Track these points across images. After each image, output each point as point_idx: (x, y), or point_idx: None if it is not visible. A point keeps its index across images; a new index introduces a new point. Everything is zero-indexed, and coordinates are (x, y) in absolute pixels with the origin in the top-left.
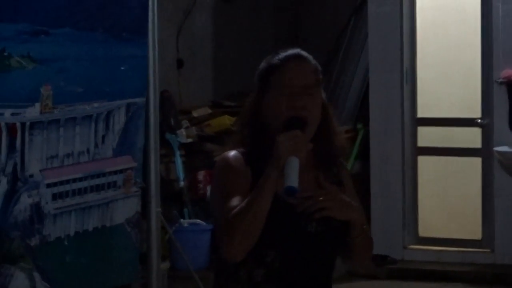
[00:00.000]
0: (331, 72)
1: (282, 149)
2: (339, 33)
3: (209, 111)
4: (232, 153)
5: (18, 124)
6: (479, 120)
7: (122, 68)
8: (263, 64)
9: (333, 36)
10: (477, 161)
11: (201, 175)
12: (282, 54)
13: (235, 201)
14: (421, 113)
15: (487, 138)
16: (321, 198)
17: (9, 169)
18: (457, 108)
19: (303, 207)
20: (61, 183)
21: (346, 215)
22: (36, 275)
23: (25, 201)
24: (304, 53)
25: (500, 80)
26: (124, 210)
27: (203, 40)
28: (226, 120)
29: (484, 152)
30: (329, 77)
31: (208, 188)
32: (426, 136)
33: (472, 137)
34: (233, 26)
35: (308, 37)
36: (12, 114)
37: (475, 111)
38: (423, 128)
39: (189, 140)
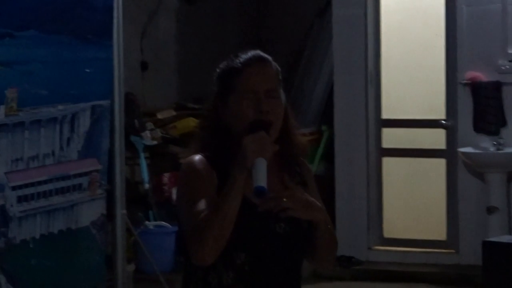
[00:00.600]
0: (295, 74)
1: (249, 150)
2: (303, 36)
3: (174, 113)
4: (197, 157)
5: None
6: (444, 122)
7: (87, 70)
8: (223, 67)
9: (297, 39)
10: (441, 162)
11: (166, 177)
12: (243, 57)
13: (203, 205)
14: (385, 114)
15: (451, 139)
16: (285, 198)
17: None
18: (422, 110)
19: (266, 207)
20: (26, 185)
21: (310, 214)
22: (1, 278)
23: None
24: (264, 54)
25: (464, 81)
26: (90, 212)
27: (167, 42)
28: (190, 122)
29: (448, 153)
30: (293, 80)
31: (173, 191)
32: (391, 138)
33: (436, 139)
34: (197, 29)
35: (272, 40)
36: None
37: (440, 113)
38: (388, 130)
39: (154, 142)
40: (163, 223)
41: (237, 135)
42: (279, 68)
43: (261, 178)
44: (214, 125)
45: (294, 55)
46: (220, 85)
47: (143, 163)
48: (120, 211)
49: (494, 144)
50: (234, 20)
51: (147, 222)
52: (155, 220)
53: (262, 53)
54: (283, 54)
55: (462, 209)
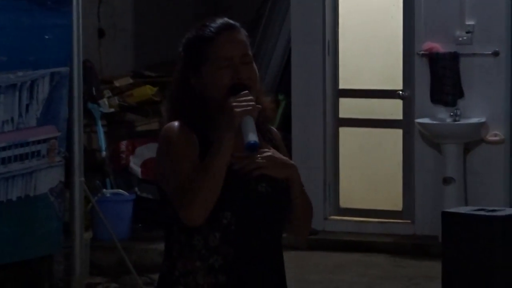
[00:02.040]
0: (252, 43)
1: (236, 109)
2: (260, 3)
3: (131, 81)
4: (176, 123)
5: None
6: (401, 92)
7: (46, 37)
8: (191, 36)
9: (254, 6)
10: (398, 133)
11: (123, 145)
12: (213, 25)
13: (188, 167)
14: (342, 84)
15: (408, 110)
16: (259, 157)
17: None
18: (379, 80)
19: (240, 165)
20: None
21: (284, 172)
22: None
23: None
24: (232, 21)
25: (421, 52)
26: (48, 179)
27: (124, 10)
28: (147, 90)
29: (405, 124)
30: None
31: (131, 159)
32: (348, 108)
33: (393, 109)
34: None
35: (229, 7)
36: None
37: (397, 83)
38: (345, 100)
39: (111, 110)
40: (120, 191)
41: (213, 102)
42: (247, 34)
43: (252, 133)
44: (187, 94)
45: (251, 23)
46: (190, 55)
47: (100, 130)
48: (78, 179)
49: (451, 115)
50: None
51: (104, 190)
52: (112, 188)
53: (230, 20)
54: (239, 22)
55: (418, 180)
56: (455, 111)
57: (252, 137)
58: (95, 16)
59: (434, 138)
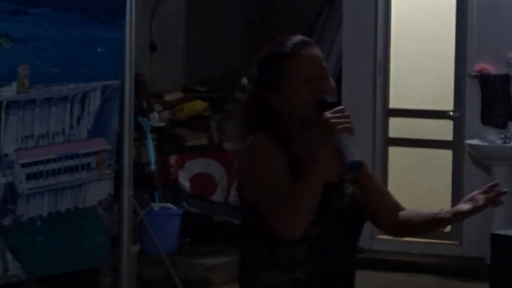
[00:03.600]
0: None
1: (337, 126)
2: (312, 21)
3: (181, 95)
4: (259, 136)
5: None
6: (451, 113)
7: (99, 50)
8: (267, 53)
9: (305, 24)
10: (448, 154)
11: (172, 159)
12: (289, 42)
13: (284, 179)
14: (393, 104)
15: (458, 131)
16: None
17: None
18: (429, 100)
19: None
20: (35, 163)
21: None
22: (8, 255)
23: None
24: (307, 38)
25: (473, 73)
26: (97, 192)
27: (176, 24)
28: (197, 105)
29: (455, 145)
30: None
31: (180, 173)
32: (398, 127)
33: (443, 130)
34: (205, 12)
35: (280, 25)
36: None
37: (447, 104)
38: (395, 119)
39: (161, 124)
40: (169, 205)
41: (294, 118)
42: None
43: (353, 152)
44: (266, 111)
45: None
46: (267, 71)
47: (150, 144)
48: (127, 192)
49: (501, 137)
50: (242, 4)
51: (152, 204)
52: (161, 202)
53: (306, 38)
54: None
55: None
56: (506, 133)
57: (355, 155)
58: (147, 30)
59: (484, 160)
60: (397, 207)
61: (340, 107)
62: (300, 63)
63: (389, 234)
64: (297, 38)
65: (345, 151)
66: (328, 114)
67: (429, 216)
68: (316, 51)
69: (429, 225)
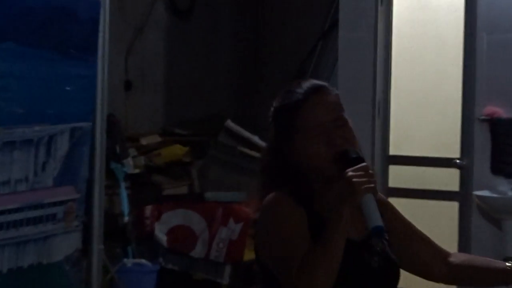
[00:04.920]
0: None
1: (359, 186)
2: (304, 58)
3: (159, 139)
4: (278, 195)
5: None
6: (458, 161)
7: (68, 88)
8: (278, 105)
9: (296, 61)
10: (454, 206)
11: (148, 210)
12: (299, 91)
13: (303, 244)
14: (393, 150)
15: (466, 180)
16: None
17: None
18: (434, 147)
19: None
20: None
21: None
22: None
23: None
24: (320, 82)
25: (482, 117)
26: (64, 246)
27: (154, 61)
28: (177, 150)
29: (462, 196)
30: None
31: (156, 225)
32: (398, 176)
33: (449, 179)
34: (187, 47)
35: (269, 61)
36: None
37: (454, 151)
38: (395, 167)
39: (136, 170)
40: (143, 260)
41: (312, 173)
42: (338, 93)
43: (377, 216)
44: (283, 166)
45: (294, 79)
46: (279, 125)
47: (124, 193)
48: (97, 246)
49: None
50: (229, 38)
51: (125, 259)
52: (134, 257)
53: (317, 82)
54: (282, 78)
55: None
56: None
57: (378, 220)
58: (123, 66)
59: (494, 213)
60: (443, 251)
61: (363, 165)
62: (310, 114)
63: (443, 282)
64: (308, 84)
65: (366, 215)
66: (350, 172)
67: (498, 266)
68: (330, 97)
69: (499, 276)
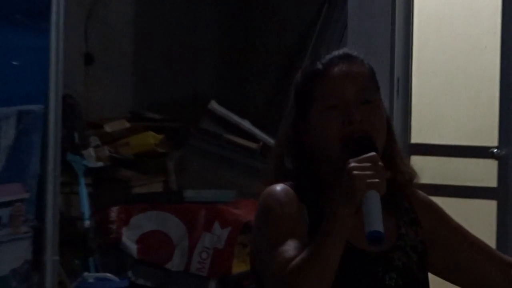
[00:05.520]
0: (296, 72)
1: (359, 180)
2: (305, 28)
3: (127, 125)
4: (281, 186)
5: None
6: (495, 150)
7: (14, 63)
8: (300, 73)
9: (295, 31)
10: (491, 205)
11: (114, 212)
12: (326, 57)
13: (293, 249)
14: (416, 137)
15: (505, 174)
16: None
17: None
18: (465, 133)
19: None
20: None
21: None
22: None
23: None
24: (353, 52)
25: None
26: (10, 257)
27: (121, 29)
28: (149, 138)
29: (500, 194)
30: (289, 86)
31: (124, 231)
32: (422, 170)
33: (485, 173)
34: (163, 13)
35: (263, 31)
36: None
37: (490, 138)
38: (419, 158)
39: (99, 164)
40: (108, 275)
41: (323, 159)
42: (373, 69)
43: (376, 218)
44: (296, 149)
45: (292, 57)
46: (298, 96)
47: (84, 191)
48: (51, 257)
49: None
50: (213, 6)
51: (86, 273)
52: (97, 270)
53: (349, 51)
54: (278, 51)
55: None
56: None
57: (375, 224)
58: (82, 36)
59: None
60: (507, 261)
61: (370, 154)
62: (329, 83)
63: None
64: (337, 52)
65: (365, 217)
66: (353, 162)
67: None
68: (358, 68)
69: None
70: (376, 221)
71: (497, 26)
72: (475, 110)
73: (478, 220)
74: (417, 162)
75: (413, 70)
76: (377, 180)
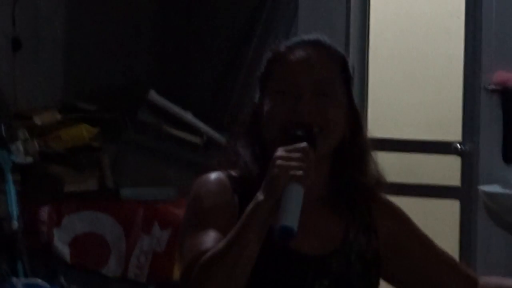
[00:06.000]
0: (243, 59)
1: (281, 169)
2: (252, 12)
3: (58, 116)
4: (216, 174)
5: None
6: (459, 145)
7: None
8: (266, 55)
9: (243, 16)
10: (454, 205)
11: (44, 212)
12: (293, 40)
13: (212, 240)
14: (372, 131)
15: (469, 172)
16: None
17: None
18: (426, 127)
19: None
20: None
21: None
22: None
23: None
24: (324, 38)
25: (491, 86)
26: None
27: (52, 12)
28: (82, 131)
29: (464, 193)
30: (232, 86)
31: (55, 233)
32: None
33: (447, 170)
34: None
35: (207, 17)
36: None
37: (453, 132)
38: (377, 154)
39: (28, 159)
40: (39, 280)
41: (269, 145)
42: (346, 58)
43: (292, 213)
44: (247, 134)
45: (238, 44)
46: (259, 79)
47: (11, 189)
48: None
49: None
50: None
51: (14, 279)
52: (26, 275)
53: (320, 37)
54: (224, 36)
55: (481, 271)
56: None
57: (288, 219)
58: (9, 19)
59: (507, 215)
60: (472, 277)
61: (300, 145)
62: (285, 68)
63: None
64: (306, 37)
65: (281, 210)
66: (280, 151)
67: None
68: (321, 57)
69: None
70: (289, 215)
71: (461, 10)
72: (437, 102)
73: (440, 221)
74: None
75: (370, 59)
76: (300, 172)
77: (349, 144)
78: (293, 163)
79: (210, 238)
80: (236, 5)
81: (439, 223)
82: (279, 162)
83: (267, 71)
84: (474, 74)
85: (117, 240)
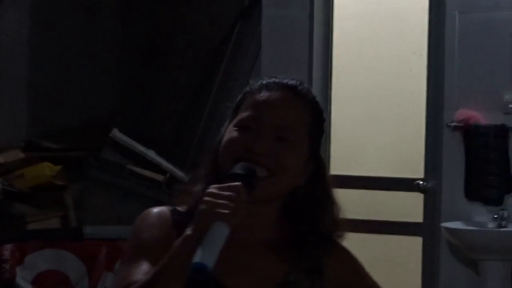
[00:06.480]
0: (207, 96)
1: (208, 205)
2: (217, 46)
3: (21, 155)
4: (158, 209)
5: None
6: (421, 182)
7: None
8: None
9: (206, 50)
10: (416, 242)
11: (6, 250)
12: (269, 80)
13: (142, 273)
14: (335, 169)
15: (431, 209)
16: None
17: None
18: (389, 164)
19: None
20: None
21: None
22: None
23: None
24: (299, 84)
25: (453, 124)
26: None
27: (15, 49)
28: (46, 170)
29: (426, 229)
30: (201, 110)
31: (18, 271)
32: (343, 204)
33: (410, 208)
34: (60, 32)
35: (170, 51)
36: None
37: (416, 170)
38: (338, 191)
39: None
40: None
41: (223, 178)
42: (319, 107)
43: (208, 251)
44: (208, 165)
45: (202, 81)
46: (230, 113)
47: None
48: None
49: (495, 218)
50: (116, 19)
51: None
52: None
53: (296, 83)
54: (187, 73)
55: None
56: (501, 212)
57: (204, 256)
58: None
59: (469, 252)
60: None
61: (234, 184)
62: (250, 105)
63: None
64: (283, 79)
65: (200, 246)
66: (211, 188)
67: None
68: (288, 102)
69: None
70: (205, 253)
71: (423, 47)
72: (400, 139)
73: (403, 258)
74: (336, 195)
75: (332, 95)
76: (226, 211)
77: (304, 192)
78: (221, 201)
79: (141, 270)
80: (199, 42)
81: (402, 260)
82: (207, 198)
83: (237, 105)
84: (437, 112)
85: (80, 278)
